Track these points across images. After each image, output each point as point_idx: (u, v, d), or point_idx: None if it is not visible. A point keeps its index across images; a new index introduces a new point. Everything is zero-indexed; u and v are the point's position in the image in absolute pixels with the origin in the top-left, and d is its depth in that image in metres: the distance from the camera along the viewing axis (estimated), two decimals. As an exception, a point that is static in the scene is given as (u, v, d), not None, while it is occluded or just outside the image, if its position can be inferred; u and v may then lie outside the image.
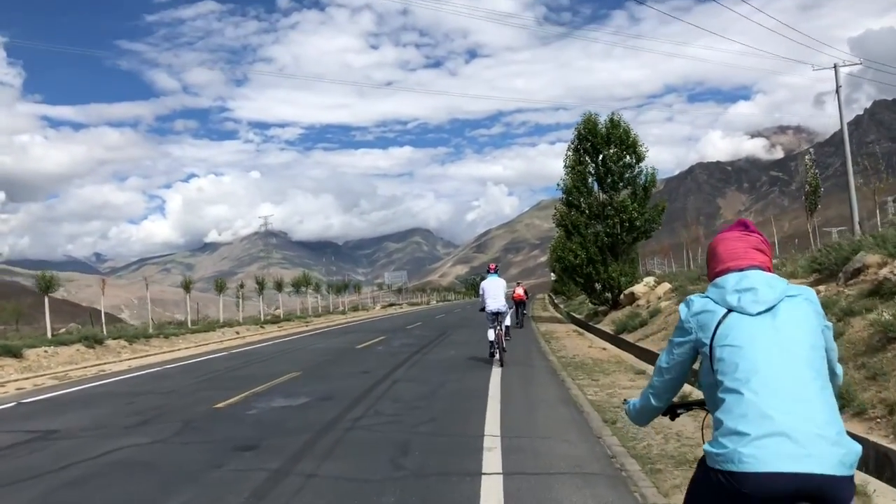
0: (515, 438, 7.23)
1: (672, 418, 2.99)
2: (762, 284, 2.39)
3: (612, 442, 7.05)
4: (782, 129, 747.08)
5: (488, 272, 16.20)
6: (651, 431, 7.29)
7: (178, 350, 23.64)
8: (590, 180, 30.27)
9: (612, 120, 29.95)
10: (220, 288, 37.12)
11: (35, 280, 24.78)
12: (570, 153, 30.90)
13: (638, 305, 26.86)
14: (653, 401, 2.75)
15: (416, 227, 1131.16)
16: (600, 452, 6.66)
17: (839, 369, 2.56)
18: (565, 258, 29.44)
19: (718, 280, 2.51)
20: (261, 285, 42.75)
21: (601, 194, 30.37)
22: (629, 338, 19.16)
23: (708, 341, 2.39)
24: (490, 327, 15.11)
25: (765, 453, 2.09)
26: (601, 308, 31.31)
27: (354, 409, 9.49)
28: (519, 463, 6.25)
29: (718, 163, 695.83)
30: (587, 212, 30.04)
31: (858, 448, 2.17)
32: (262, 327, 34.21)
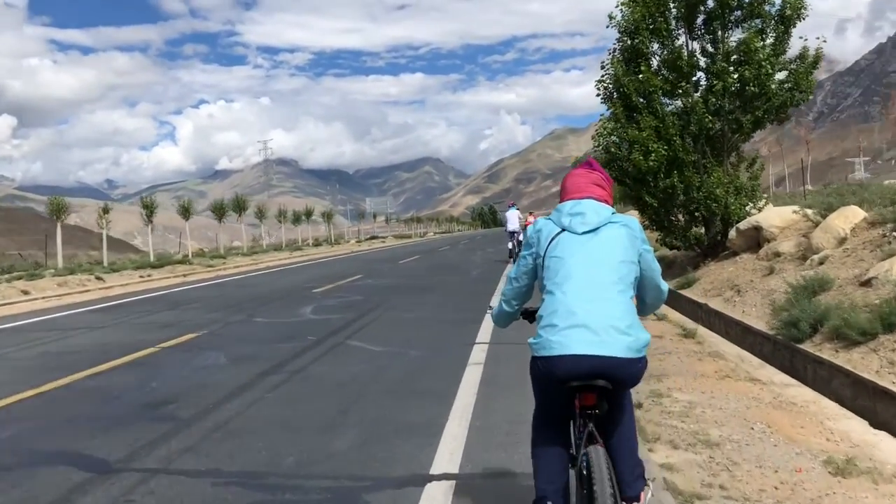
0: None
1: (531, 321, 3.09)
2: (590, 211, 2.89)
3: None
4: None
5: (509, 207, 26.64)
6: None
7: None
8: (671, 18, 15.62)
9: None
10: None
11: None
12: (631, -39, 16.11)
13: (778, 255, 12.81)
14: (505, 306, 3.22)
15: (427, 157, 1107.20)
16: None
17: (664, 286, 3.05)
18: (628, 157, 14.87)
19: (559, 206, 3.02)
20: (150, 208, 28.73)
21: (690, 42, 15.81)
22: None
23: (542, 253, 2.89)
24: (509, 240, 24.60)
25: (568, 340, 2.62)
26: (679, 253, 17.26)
27: None
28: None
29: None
30: (666, 72, 15.56)
31: (647, 336, 2.70)
32: (98, 279, 20.35)
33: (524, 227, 29.91)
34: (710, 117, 14.26)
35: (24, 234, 60.50)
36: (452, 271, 20.79)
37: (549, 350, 2.64)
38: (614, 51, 16.19)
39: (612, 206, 3.01)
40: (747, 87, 14.18)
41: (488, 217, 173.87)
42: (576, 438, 2.83)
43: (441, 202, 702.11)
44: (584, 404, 2.71)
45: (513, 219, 25.09)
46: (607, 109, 16.24)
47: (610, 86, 16.19)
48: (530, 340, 2.75)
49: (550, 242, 2.86)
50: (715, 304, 12.17)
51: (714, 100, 14.35)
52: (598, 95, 16.52)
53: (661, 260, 17.79)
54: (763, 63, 14.06)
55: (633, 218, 2.95)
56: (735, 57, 14.68)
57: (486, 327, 9.70)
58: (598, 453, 2.62)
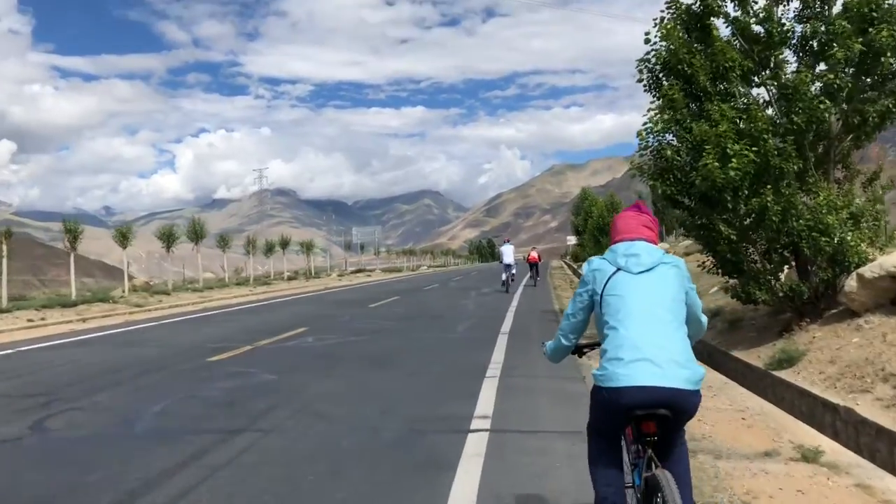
0: None
1: (580, 356, 3.58)
2: (644, 252, 3.09)
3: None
4: None
5: (505, 242, 29.87)
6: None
7: None
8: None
9: None
10: None
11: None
12: None
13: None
14: (563, 341, 3.41)
15: (426, 189, 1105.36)
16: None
17: (704, 319, 3.30)
18: (692, 165, 9.59)
19: (613, 246, 3.21)
20: (73, 233, 23.49)
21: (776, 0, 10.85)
22: None
23: (600, 291, 3.09)
24: (504, 272, 27.04)
25: (634, 372, 2.81)
26: (745, 308, 12.04)
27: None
28: None
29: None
30: (744, 43, 10.57)
31: (702, 371, 2.90)
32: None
33: (528, 261, 34.99)
34: (826, 103, 9.17)
35: (19, 259, 54.80)
36: (432, 323, 15.60)
37: (616, 381, 2.85)
38: (662, 20, 11.21)
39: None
40: (882, 59, 9.15)
41: (486, 251, 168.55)
42: (631, 462, 3.13)
43: (440, 235, 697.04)
44: (644, 431, 2.93)
45: (508, 253, 27.95)
46: (654, 98, 11.20)
47: (657, 66, 11.19)
48: (595, 372, 2.99)
49: (608, 281, 3.07)
50: (867, 410, 6.97)
51: (831, 76, 9.29)
52: (639, 81, 11.49)
53: (717, 316, 12.23)
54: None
55: (681, 259, 3.18)
56: (847, 23, 9.65)
57: (465, 484, 4.49)
58: (666, 476, 2.77)
